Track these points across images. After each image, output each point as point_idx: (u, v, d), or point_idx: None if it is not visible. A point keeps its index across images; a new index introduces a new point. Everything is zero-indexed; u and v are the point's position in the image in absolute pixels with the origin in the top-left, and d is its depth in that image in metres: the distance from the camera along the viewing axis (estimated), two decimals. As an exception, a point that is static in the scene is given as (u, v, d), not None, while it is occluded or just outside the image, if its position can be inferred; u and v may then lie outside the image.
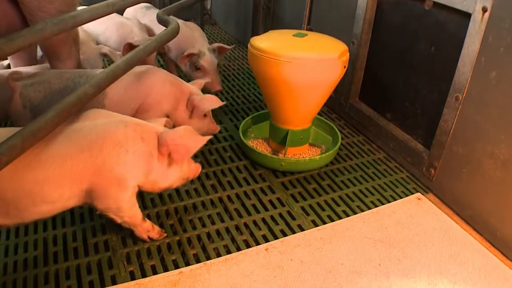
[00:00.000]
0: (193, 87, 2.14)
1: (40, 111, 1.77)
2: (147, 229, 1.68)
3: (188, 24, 2.85)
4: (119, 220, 1.58)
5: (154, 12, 2.98)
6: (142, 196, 1.95)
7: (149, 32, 2.87)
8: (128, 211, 1.56)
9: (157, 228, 1.72)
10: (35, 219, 1.47)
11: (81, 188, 1.46)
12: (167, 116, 2.10)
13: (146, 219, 1.68)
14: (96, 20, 2.71)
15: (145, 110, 2.01)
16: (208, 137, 1.61)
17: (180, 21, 2.58)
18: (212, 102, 2.09)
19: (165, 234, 1.75)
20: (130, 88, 1.98)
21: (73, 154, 1.41)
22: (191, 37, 2.72)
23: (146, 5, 3.13)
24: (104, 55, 2.53)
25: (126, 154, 1.47)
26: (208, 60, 2.62)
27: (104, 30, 2.81)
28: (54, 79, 1.87)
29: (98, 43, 2.82)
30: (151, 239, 1.71)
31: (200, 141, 1.59)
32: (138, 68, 2.03)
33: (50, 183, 1.39)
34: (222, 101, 2.13)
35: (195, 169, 1.75)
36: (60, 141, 1.42)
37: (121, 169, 1.47)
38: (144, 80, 2.00)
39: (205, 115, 2.14)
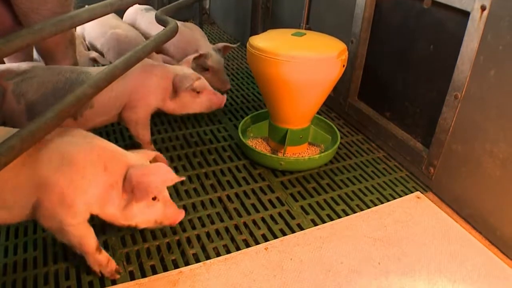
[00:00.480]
0: (178, 67, 2.12)
1: (35, 105, 1.79)
2: (100, 263, 1.52)
3: (187, 24, 2.84)
4: (66, 242, 1.47)
5: (153, 15, 2.98)
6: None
7: (147, 35, 2.86)
8: (76, 237, 1.44)
9: (112, 265, 1.55)
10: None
11: (32, 200, 1.38)
12: (158, 109, 2.10)
13: (103, 251, 1.54)
14: (97, 32, 2.71)
15: (133, 106, 2.01)
16: (180, 179, 1.48)
17: (179, 23, 2.57)
18: (190, 79, 2.02)
19: (118, 276, 1.56)
20: (117, 86, 1.94)
21: (31, 164, 1.36)
22: (192, 38, 2.71)
23: (145, 7, 3.11)
24: (93, 60, 2.54)
25: (82, 179, 1.38)
26: (215, 60, 2.61)
27: (103, 41, 2.80)
28: (44, 73, 1.86)
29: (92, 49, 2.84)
30: (154, 237, 1.71)
31: (167, 182, 1.47)
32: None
33: (6, 188, 1.35)
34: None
35: (174, 215, 1.56)
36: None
37: (72, 192, 1.37)
38: (130, 76, 1.96)
39: (198, 92, 2.10)
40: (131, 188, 1.42)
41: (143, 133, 2.11)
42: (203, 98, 2.13)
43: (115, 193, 1.44)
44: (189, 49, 2.62)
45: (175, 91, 2.05)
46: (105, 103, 1.96)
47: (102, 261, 1.52)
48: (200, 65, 2.59)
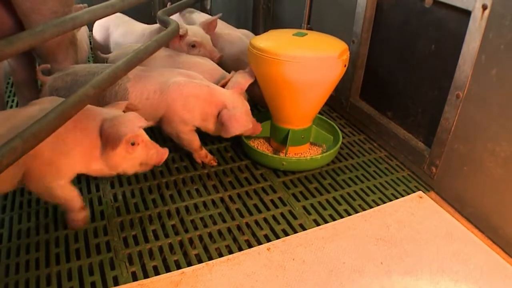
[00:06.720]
0: (229, 97, 2.03)
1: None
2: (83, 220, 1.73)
3: (244, 32, 2.85)
4: (52, 202, 1.66)
5: (197, 16, 2.98)
6: (143, 197, 1.96)
7: None
8: (62, 198, 1.61)
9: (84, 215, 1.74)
10: None
11: (19, 171, 1.52)
12: (198, 127, 2.07)
13: (87, 208, 1.74)
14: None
15: (169, 121, 2.01)
16: (148, 124, 1.59)
17: (238, 31, 2.69)
18: (240, 125, 1.98)
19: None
20: (153, 98, 1.98)
21: None
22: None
23: (188, 10, 3.10)
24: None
25: (62, 143, 1.51)
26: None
27: None
28: (81, 71, 1.96)
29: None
30: (156, 238, 1.72)
31: (135, 129, 1.57)
32: (170, 77, 2.02)
33: None
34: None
35: (158, 155, 1.72)
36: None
37: (56, 157, 1.50)
38: (166, 92, 1.98)
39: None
40: (105, 140, 1.55)
41: (189, 140, 2.10)
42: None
43: (96, 149, 1.57)
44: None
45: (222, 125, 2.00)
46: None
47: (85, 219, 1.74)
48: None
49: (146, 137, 1.69)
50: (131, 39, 2.67)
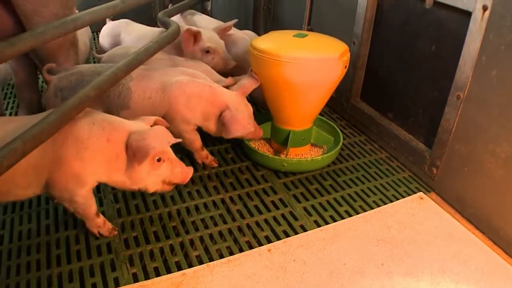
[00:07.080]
0: (232, 98, 2.01)
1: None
2: (98, 225, 1.70)
3: (247, 33, 2.84)
4: (72, 210, 1.63)
5: (199, 19, 2.98)
6: (144, 198, 1.96)
7: None
8: (81, 204, 1.60)
9: (108, 225, 1.73)
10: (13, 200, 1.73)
11: (44, 177, 1.52)
12: (199, 126, 2.06)
13: (100, 214, 1.70)
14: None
15: (171, 120, 1.99)
16: (177, 140, 1.58)
17: (240, 32, 2.63)
18: (241, 127, 1.95)
19: (116, 232, 1.74)
20: (155, 97, 1.98)
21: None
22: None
23: (189, 12, 3.08)
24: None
25: (86, 151, 1.51)
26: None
27: None
28: (86, 71, 1.96)
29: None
30: (157, 239, 1.71)
31: (164, 144, 1.56)
32: (173, 76, 2.01)
33: (19, 171, 1.42)
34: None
35: (183, 173, 1.68)
36: None
37: (78, 164, 1.50)
38: (169, 91, 1.97)
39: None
40: (132, 153, 1.52)
41: (191, 140, 2.09)
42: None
43: (120, 160, 1.55)
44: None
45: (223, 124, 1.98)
46: (142, 107, 1.97)
47: (100, 223, 1.70)
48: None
49: (172, 154, 1.66)
50: (143, 43, 2.68)
